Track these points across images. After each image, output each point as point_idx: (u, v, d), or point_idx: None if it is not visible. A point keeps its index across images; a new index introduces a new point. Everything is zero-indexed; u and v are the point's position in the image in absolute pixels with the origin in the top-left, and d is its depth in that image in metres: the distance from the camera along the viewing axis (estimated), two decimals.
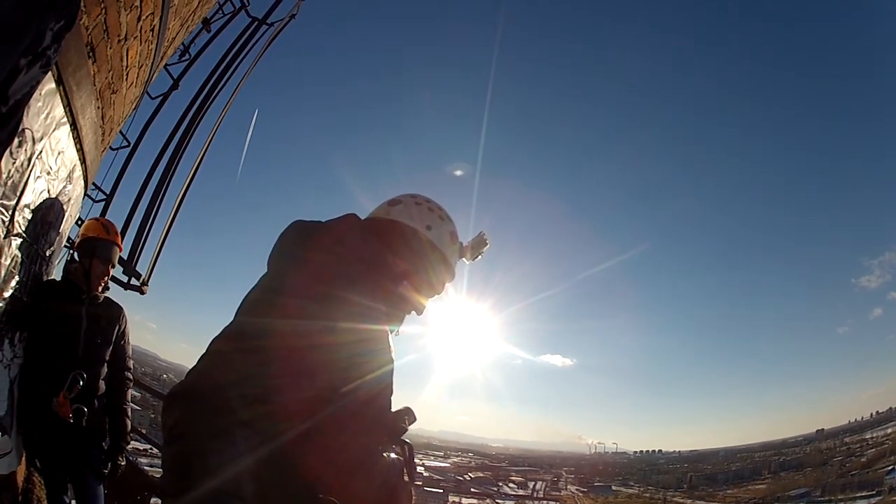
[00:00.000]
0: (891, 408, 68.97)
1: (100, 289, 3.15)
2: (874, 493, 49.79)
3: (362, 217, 1.77)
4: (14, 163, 2.17)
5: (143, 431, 7.30)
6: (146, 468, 6.14)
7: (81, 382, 2.85)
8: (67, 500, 3.03)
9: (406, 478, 1.50)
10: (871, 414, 73.62)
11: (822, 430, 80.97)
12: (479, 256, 1.90)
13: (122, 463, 3.17)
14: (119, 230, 3.42)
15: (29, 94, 1.25)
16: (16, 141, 2.09)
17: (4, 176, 2.10)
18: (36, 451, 3.06)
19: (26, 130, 2.18)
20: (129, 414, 3.30)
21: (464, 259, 1.88)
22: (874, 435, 64.84)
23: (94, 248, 3.11)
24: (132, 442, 3.41)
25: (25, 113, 1.61)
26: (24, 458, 3.07)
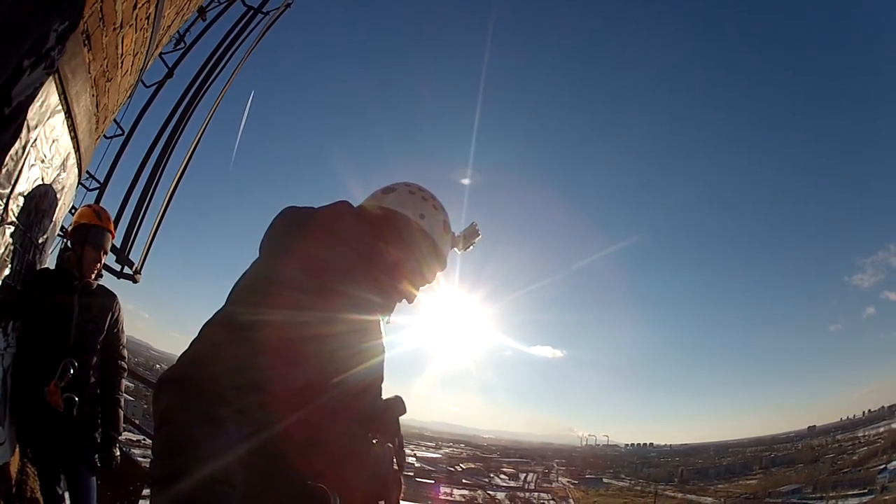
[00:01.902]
0: (883, 406, 69.27)
1: (92, 276, 3.11)
2: (866, 491, 49.87)
3: (355, 203, 1.77)
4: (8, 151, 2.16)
5: (137, 422, 7.24)
6: (139, 459, 6.13)
7: (72, 370, 2.83)
8: (60, 492, 3.03)
9: (396, 466, 1.52)
10: (864, 412, 73.90)
11: (814, 426, 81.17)
12: (471, 247, 1.91)
13: (116, 454, 3.16)
14: (112, 218, 3.40)
15: (32, 96, 1.24)
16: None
17: None
18: (28, 442, 3.06)
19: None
20: (123, 404, 3.28)
21: (455, 249, 1.89)
22: (866, 433, 64.94)
23: (87, 234, 3.08)
24: (125, 432, 3.40)
25: None
26: (17, 450, 3.06)
